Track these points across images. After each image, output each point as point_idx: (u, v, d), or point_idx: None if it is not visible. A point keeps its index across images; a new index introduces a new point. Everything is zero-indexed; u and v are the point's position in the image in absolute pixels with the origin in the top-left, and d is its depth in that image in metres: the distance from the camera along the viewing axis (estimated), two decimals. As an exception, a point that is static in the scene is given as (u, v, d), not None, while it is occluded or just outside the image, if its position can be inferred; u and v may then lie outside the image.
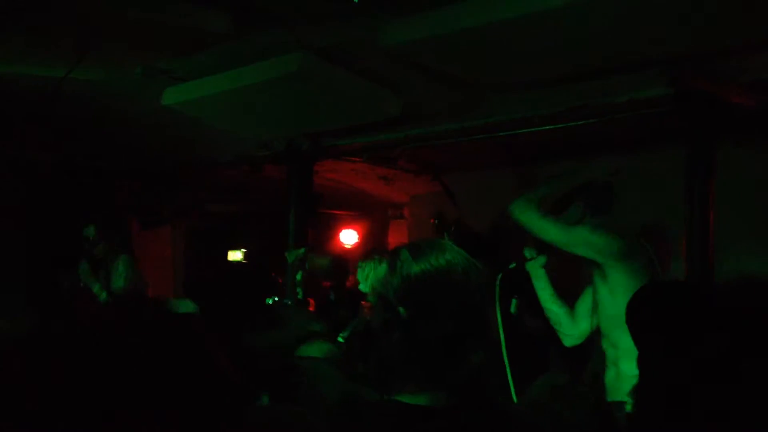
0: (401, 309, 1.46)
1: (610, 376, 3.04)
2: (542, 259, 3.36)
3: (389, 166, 5.08)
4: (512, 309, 3.41)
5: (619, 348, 2.90)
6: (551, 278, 3.40)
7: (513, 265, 3.39)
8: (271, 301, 4.07)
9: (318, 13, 2.73)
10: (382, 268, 1.51)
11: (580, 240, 3.08)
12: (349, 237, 6.69)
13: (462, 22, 2.52)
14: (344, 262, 5.19)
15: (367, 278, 4.41)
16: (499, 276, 3.21)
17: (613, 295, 2.91)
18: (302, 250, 4.25)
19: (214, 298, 6.33)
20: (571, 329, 3.34)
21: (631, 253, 3.00)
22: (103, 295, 4.89)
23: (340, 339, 3.37)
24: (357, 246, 6.74)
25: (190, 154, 5.10)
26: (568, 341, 3.38)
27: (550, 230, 3.13)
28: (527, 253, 3.38)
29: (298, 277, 4.22)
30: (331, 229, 6.69)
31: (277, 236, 4.54)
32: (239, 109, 3.74)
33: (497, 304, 3.09)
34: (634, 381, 2.68)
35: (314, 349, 2.11)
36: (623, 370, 2.86)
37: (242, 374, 1.37)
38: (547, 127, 3.44)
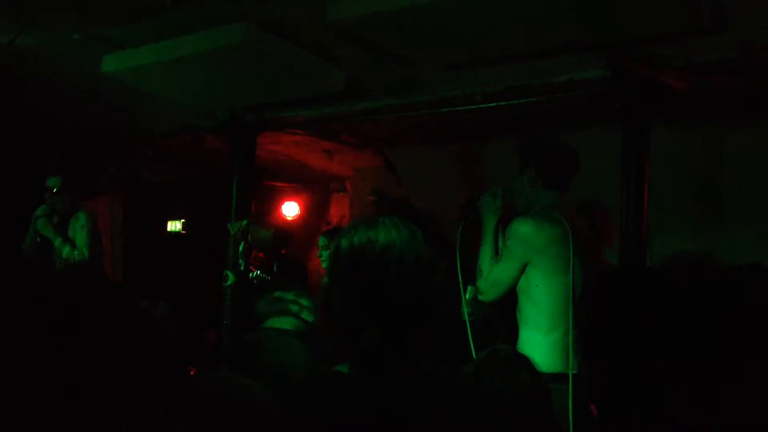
0: (325, 279, 1.54)
1: (518, 341, 3.04)
2: (497, 205, 3.09)
3: (332, 139, 5.09)
4: (468, 295, 3.28)
5: (522, 315, 2.90)
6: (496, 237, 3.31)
7: (472, 216, 3.16)
8: (253, 276, 4.05)
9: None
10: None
11: (507, 257, 2.88)
12: (290, 209, 6.67)
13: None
14: (287, 234, 5.19)
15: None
16: (459, 228, 3.09)
17: (526, 274, 2.85)
18: (245, 222, 4.23)
19: (154, 269, 6.30)
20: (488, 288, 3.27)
21: (543, 236, 2.81)
22: (66, 250, 4.46)
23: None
24: (298, 218, 6.73)
25: (129, 123, 5.01)
26: (482, 297, 3.29)
27: (498, 278, 2.90)
28: (484, 199, 3.11)
29: (240, 248, 4.21)
30: (272, 201, 6.65)
31: (218, 207, 4.51)
32: (181, 79, 3.69)
33: (457, 253, 2.97)
34: (534, 348, 2.76)
35: (284, 323, 2.11)
36: (522, 336, 2.89)
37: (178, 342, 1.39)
38: (490, 105, 3.49)
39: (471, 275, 3.06)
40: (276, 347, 1.92)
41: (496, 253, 2.95)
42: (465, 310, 2.95)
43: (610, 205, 3.14)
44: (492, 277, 2.92)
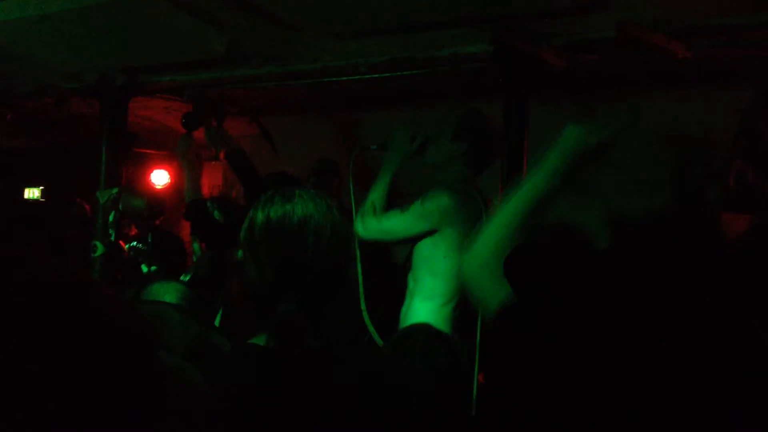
0: (239, 252, 1.53)
1: (404, 308, 3.07)
2: (405, 151, 3.16)
3: (207, 106, 4.92)
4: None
5: (419, 285, 2.97)
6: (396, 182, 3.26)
7: (374, 147, 3.27)
8: (129, 246, 3.86)
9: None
10: None
11: (415, 215, 2.92)
12: (160, 177, 6.44)
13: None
14: (160, 202, 5.02)
15: None
16: (353, 153, 3.09)
17: (434, 245, 2.93)
18: (115, 190, 4.04)
19: (11, 237, 5.92)
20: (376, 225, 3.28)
21: (465, 212, 2.90)
22: None
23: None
24: (168, 187, 6.51)
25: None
26: (364, 232, 3.17)
27: (396, 228, 2.95)
28: (395, 139, 3.17)
29: (111, 218, 4.02)
30: (141, 168, 6.40)
31: (81, 174, 4.29)
32: (48, 37, 3.45)
33: (351, 182, 2.98)
34: (420, 316, 2.84)
35: (168, 289, 2.02)
36: (414, 305, 2.95)
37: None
38: (373, 76, 3.48)
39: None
40: (163, 324, 1.85)
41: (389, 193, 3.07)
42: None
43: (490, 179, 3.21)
44: (388, 225, 2.98)
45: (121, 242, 4.46)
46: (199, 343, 1.63)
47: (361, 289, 2.50)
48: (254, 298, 1.50)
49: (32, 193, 6.73)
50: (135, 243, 4.16)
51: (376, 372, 1.47)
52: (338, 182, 4.29)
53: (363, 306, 2.48)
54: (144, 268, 4.30)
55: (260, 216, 1.49)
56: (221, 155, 3.82)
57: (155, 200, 4.98)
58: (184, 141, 4.40)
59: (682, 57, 2.80)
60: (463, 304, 2.83)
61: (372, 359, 1.51)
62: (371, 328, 2.56)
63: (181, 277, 3.47)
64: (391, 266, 3.45)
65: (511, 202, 1.65)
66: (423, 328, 2.17)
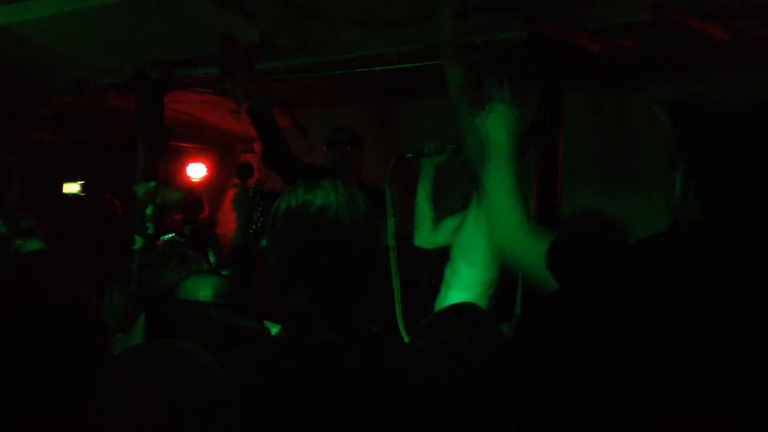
0: (264, 241, 1.51)
1: (439, 298, 3.12)
2: (439, 159, 3.24)
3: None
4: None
5: (456, 275, 2.98)
6: (436, 180, 3.36)
7: (409, 155, 3.23)
8: (165, 239, 3.90)
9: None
10: None
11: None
12: (196, 171, 6.51)
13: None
14: (197, 195, 5.06)
15: None
16: (391, 163, 3.11)
17: (475, 227, 2.97)
18: (152, 184, 4.09)
19: (53, 232, 6.02)
20: (429, 235, 3.39)
21: None
22: None
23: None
24: (204, 180, 6.57)
25: (22, 79, 4.73)
26: (419, 242, 3.44)
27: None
28: (427, 148, 3.19)
29: (149, 211, 4.07)
30: (177, 162, 6.47)
31: (119, 168, 4.34)
32: (84, 33, 3.50)
33: (388, 191, 2.99)
34: None
35: (203, 284, 2.05)
36: (451, 297, 2.96)
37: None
38: (406, 66, 3.47)
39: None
40: (190, 322, 1.87)
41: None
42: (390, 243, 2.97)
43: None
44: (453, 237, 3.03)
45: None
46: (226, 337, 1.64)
47: (396, 285, 2.48)
48: (273, 287, 1.47)
49: (71, 187, 6.84)
50: (171, 235, 4.20)
51: (396, 367, 1.42)
52: (356, 151, 4.05)
53: (398, 305, 2.46)
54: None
55: (282, 204, 1.47)
56: (243, 109, 3.74)
57: (192, 193, 5.03)
58: (241, 190, 4.35)
59: (720, 39, 2.74)
60: (499, 294, 2.83)
61: (394, 353, 1.47)
62: (401, 325, 2.55)
63: (223, 272, 3.49)
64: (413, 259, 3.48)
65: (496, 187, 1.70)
66: (470, 307, 2.14)
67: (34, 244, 3.48)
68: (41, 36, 3.56)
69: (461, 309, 2.09)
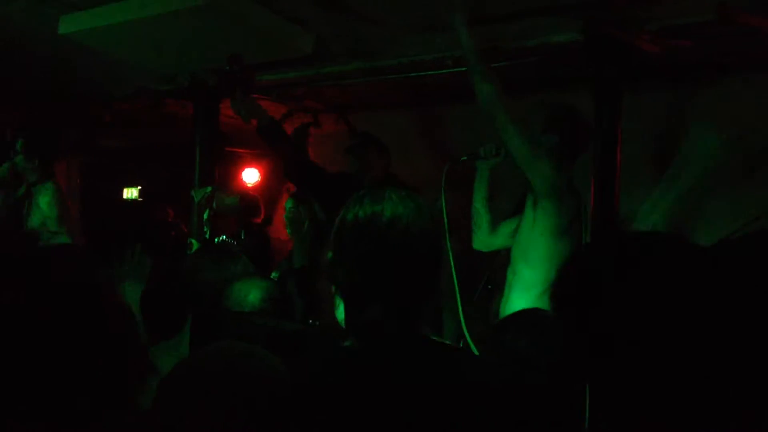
0: (329, 253, 1.51)
1: (502, 300, 3.10)
2: (494, 162, 3.22)
3: (295, 104, 5.00)
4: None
5: (517, 277, 2.98)
6: (492, 183, 3.35)
7: (464, 158, 3.26)
8: (218, 240, 3.96)
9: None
10: None
11: (537, 168, 2.88)
12: (251, 176, 6.58)
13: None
14: (254, 200, 5.12)
15: None
16: (446, 167, 3.10)
17: (532, 228, 2.94)
18: (209, 189, 4.15)
19: (110, 236, 6.16)
20: (487, 238, 3.37)
21: (568, 195, 2.92)
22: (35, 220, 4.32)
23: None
24: (258, 185, 6.64)
25: (86, 86, 4.85)
26: (477, 245, 3.43)
27: (512, 137, 2.85)
28: (483, 151, 3.19)
29: (205, 216, 4.13)
30: (232, 167, 6.55)
31: (176, 173, 4.41)
32: (142, 41, 3.57)
33: (443, 195, 2.98)
34: (519, 306, 2.81)
35: (251, 288, 2.07)
36: (512, 298, 2.95)
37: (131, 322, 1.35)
38: (460, 69, 3.44)
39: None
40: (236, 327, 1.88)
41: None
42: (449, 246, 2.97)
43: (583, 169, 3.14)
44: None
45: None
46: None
47: (457, 295, 2.46)
48: (344, 300, 1.48)
49: (131, 192, 6.98)
50: (224, 237, 4.25)
51: (467, 380, 1.40)
52: (372, 151, 4.02)
53: (461, 315, 2.44)
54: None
55: (350, 216, 1.47)
56: (253, 125, 3.79)
57: (248, 198, 5.09)
58: (295, 212, 4.42)
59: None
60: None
61: (467, 366, 1.45)
62: (467, 334, 2.53)
63: (272, 275, 3.52)
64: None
65: None
66: (532, 312, 2.12)
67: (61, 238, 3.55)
68: (103, 44, 3.64)
69: (531, 315, 2.07)
